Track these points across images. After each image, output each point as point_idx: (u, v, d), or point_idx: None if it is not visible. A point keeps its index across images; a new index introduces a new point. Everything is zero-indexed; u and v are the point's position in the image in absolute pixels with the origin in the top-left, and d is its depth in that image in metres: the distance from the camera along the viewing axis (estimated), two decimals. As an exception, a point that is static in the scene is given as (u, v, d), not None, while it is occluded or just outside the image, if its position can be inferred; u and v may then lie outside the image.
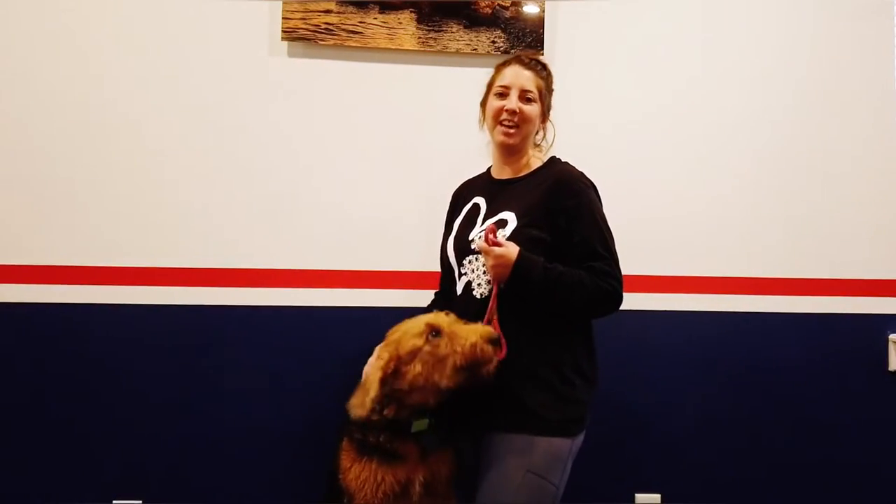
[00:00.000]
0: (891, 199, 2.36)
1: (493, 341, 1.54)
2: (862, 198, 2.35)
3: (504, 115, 1.71)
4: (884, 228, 2.36)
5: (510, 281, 1.57)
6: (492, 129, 1.76)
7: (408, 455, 1.59)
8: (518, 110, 1.70)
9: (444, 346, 1.54)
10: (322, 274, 2.21)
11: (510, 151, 1.75)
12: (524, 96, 1.71)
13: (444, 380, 1.54)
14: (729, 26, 2.34)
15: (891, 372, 2.33)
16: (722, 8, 2.33)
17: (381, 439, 1.58)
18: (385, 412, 1.57)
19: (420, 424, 1.59)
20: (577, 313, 1.65)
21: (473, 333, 1.54)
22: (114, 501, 2.12)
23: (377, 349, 1.67)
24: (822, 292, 2.33)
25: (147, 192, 2.17)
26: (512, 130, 1.71)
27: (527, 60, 1.76)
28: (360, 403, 1.58)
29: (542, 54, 2.21)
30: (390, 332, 1.65)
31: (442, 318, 1.59)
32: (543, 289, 1.57)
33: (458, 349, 1.52)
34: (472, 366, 1.53)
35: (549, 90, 1.78)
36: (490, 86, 1.78)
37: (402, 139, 2.24)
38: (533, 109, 1.72)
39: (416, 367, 1.55)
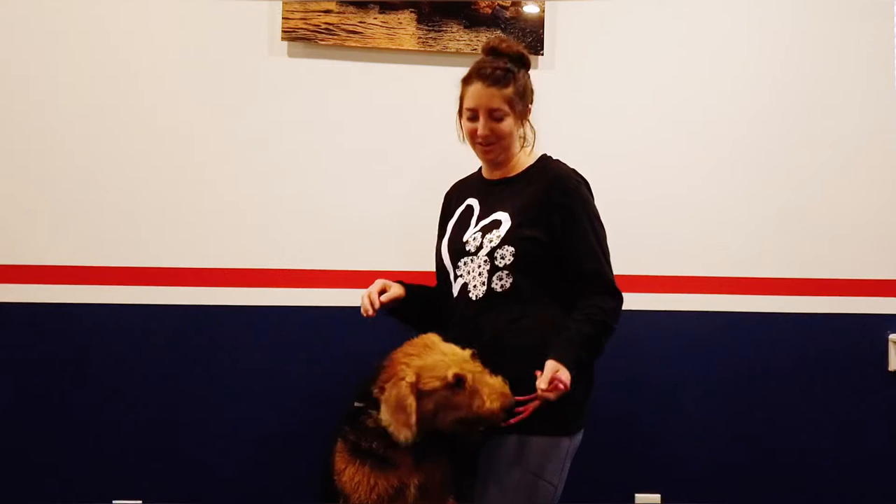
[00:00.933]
0: (891, 199, 2.36)
1: (508, 411, 1.50)
2: (862, 198, 2.35)
3: (478, 139, 1.69)
4: (884, 228, 2.35)
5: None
6: (472, 146, 1.74)
7: (401, 463, 1.59)
8: (490, 132, 1.66)
9: (461, 398, 1.51)
10: (322, 274, 2.21)
11: (495, 163, 1.74)
12: (493, 116, 1.66)
13: (443, 424, 1.54)
14: (729, 26, 2.33)
15: (891, 372, 2.33)
16: (722, 8, 2.33)
17: (373, 445, 1.57)
18: (370, 422, 1.59)
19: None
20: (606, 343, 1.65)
21: (494, 399, 1.49)
22: (114, 501, 2.12)
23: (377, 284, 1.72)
24: (822, 292, 2.33)
25: (146, 192, 2.16)
26: (489, 148, 1.69)
27: (489, 72, 1.65)
28: (406, 425, 1.51)
29: (542, 54, 2.21)
30: (420, 342, 1.61)
31: (468, 368, 1.53)
32: (589, 353, 1.59)
33: (474, 408, 1.50)
34: (475, 421, 1.52)
35: (520, 94, 1.69)
36: (461, 100, 1.73)
37: (402, 139, 2.24)
38: (505, 125, 1.67)
39: (428, 405, 1.52)
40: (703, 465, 2.28)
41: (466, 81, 1.70)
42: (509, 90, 1.66)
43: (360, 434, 1.59)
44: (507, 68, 1.67)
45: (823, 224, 2.34)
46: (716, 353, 2.30)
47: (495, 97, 1.65)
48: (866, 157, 2.36)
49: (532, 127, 1.75)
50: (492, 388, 1.50)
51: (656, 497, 2.26)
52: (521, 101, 1.69)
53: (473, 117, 1.68)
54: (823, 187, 2.34)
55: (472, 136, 1.70)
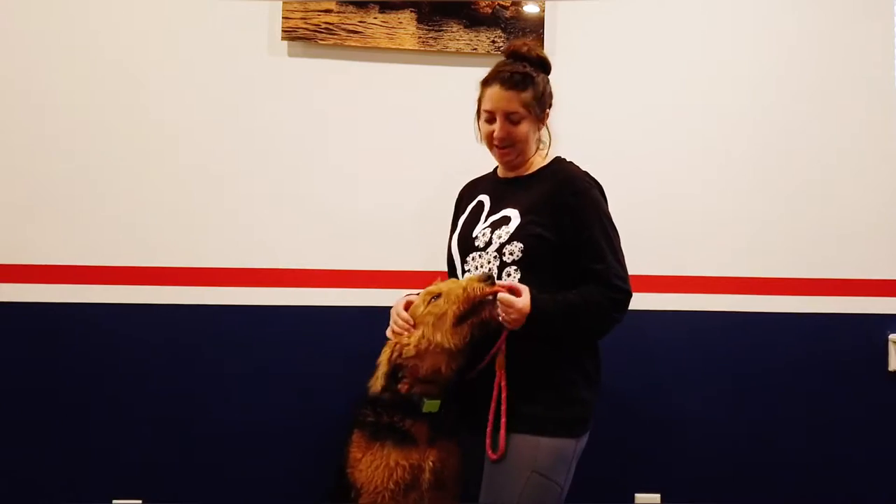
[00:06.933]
0: (891, 199, 2.36)
1: (485, 279, 1.57)
2: (862, 198, 2.35)
3: (495, 141, 1.70)
4: (884, 228, 2.35)
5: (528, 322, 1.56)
6: (489, 148, 1.75)
7: (419, 437, 1.63)
8: (507, 135, 1.68)
9: (441, 304, 1.60)
10: (322, 274, 2.21)
11: (511, 165, 1.75)
12: (510, 119, 1.67)
13: (447, 337, 1.58)
14: (729, 25, 2.33)
15: (891, 372, 2.33)
16: (722, 7, 2.33)
17: (394, 419, 1.63)
18: (399, 386, 1.63)
19: (432, 406, 1.63)
20: (596, 333, 1.66)
21: (463, 280, 1.61)
22: (114, 501, 2.12)
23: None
24: (822, 292, 2.33)
25: (146, 192, 2.16)
26: (506, 151, 1.70)
27: (508, 75, 1.66)
28: (374, 378, 1.64)
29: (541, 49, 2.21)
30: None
31: (441, 284, 1.66)
32: (563, 320, 1.58)
33: (453, 299, 1.58)
34: (472, 311, 1.58)
35: (538, 98, 1.69)
36: (479, 102, 1.74)
37: (402, 139, 2.24)
38: (522, 128, 1.68)
39: (419, 332, 1.61)
40: (703, 465, 2.28)
41: (486, 83, 1.71)
42: (527, 94, 1.67)
43: (380, 411, 1.65)
44: (526, 72, 1.68)
45: (824, 224, 2.34)
46: (716, 352, 2.29)
47: (513, 101, 1.66)
48: (866, 157, 2.35)
49: (549, 131, 1.77)
50: (460, 281, 1.64)
51: (656, 497, 2.26)
52: (539, 106, 1.70)
53: (491, 119, 1.69)
54: (823, 187, 2.34)
55: (489, 139, 1.71)
